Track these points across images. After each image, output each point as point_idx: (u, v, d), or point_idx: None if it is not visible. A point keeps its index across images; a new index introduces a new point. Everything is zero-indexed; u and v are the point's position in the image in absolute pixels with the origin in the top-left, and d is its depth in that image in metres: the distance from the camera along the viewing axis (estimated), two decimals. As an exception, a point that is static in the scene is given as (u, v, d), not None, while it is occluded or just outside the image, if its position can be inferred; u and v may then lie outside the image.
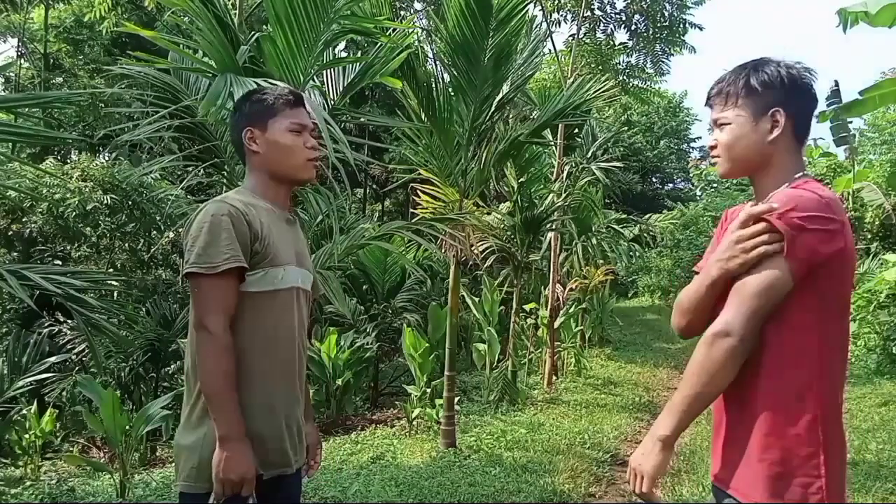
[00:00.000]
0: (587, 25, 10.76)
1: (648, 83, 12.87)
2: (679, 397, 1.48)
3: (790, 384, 1.43)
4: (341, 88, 4.03)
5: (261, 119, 1.89)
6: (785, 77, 1.54)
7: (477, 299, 8.58)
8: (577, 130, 9.63)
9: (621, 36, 11.58)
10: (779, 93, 1.53)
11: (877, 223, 11.91)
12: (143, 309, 7.92)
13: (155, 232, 8.93)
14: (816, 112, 1.72)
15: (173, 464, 5.36)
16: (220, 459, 1.65)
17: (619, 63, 11.86)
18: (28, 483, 4.63)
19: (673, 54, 11.95)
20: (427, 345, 6.82)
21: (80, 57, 15.24)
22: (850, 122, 10.41)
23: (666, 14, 11.31)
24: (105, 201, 8.08)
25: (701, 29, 11.73)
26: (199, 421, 1.74)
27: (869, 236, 12.01)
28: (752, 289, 1.42)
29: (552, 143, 8.61)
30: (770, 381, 1.44)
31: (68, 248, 8.69)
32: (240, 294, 1.76)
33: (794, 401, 1.42)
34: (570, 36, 10.93)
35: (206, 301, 1.72)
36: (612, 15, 11.22)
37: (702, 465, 4.68)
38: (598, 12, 11.00)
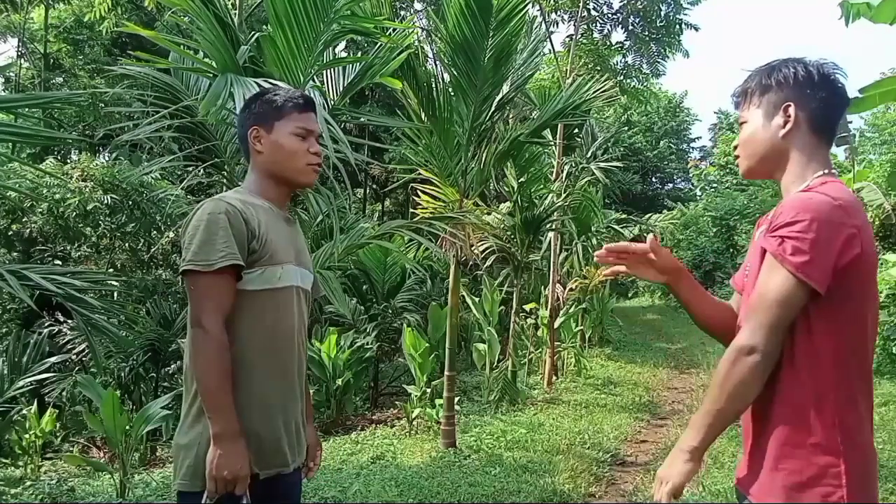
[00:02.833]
0: (584, 26, 10.77)
1: (645, 84, 12.90)
2: (703, 411, 1.45)
3: (807, 392, 1.39)
4: (341, 88, 4.03)
5: (267, 120, 1.89)
6: (801, 73, 1.50)
7: (477, 299, 8.58)
8: (576, 130, 9.63)
9: (618, 36, 11.63)
10: (793, 89, 1.51)
11: (877, 223, 11.90)
12: (143, 309, 7.93)
13: (155, 232, 8.93)
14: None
15: (172, 464, 5.38)
16: (213, 457, 1.65)
17: (617, 63, 11.90)
18: (28, 483, 4.62)
19: (668, 56, 12.01)
20: (427, 345, 6.81)
21: (80, 57, 15.24)
22: (850, 122, 10.45)
23: (662, 14, 11.35)
24: (105, 201, 8.09)
25: (697, 30, 11.83)
26: (195, 420, 1.74)
27: (869, 236, 11.98)
28: (770, 300, 1.38)
29: (552, 143, 8.61)
30: (786, 389, 1.41)
31: (68, 248, 8.69)
32: (237, 292, 1.76)
33: (811, 409, 1.39)
34: (567, 37, 10.95)
35: (202, 299, 1.72)
36: (609, 15, 11.26)
37: (701, 465, 4.68)
38: (593, 12, 11.03)
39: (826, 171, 1.49)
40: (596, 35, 11.28)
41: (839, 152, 13.30)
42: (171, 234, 8.49)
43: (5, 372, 5.20)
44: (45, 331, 6.70)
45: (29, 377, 5.26)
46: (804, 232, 1.34)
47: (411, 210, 9.39)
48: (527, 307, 9.42)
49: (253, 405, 1.76)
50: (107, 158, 10.67)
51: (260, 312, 1.80)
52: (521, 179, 7.51)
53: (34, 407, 6.19)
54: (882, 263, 9.38)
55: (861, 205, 1.45)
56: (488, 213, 7.71)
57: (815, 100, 1.50)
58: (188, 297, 1.75)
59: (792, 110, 1.50)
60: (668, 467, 1.49)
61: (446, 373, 5.43)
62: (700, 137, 33.73)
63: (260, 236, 1.78)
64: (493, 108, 5.33)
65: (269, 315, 1.81)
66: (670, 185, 32.04)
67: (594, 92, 5.55)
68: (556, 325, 8.81)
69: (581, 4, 10.11)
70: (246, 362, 1.76)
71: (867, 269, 1.42)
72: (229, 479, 1.65)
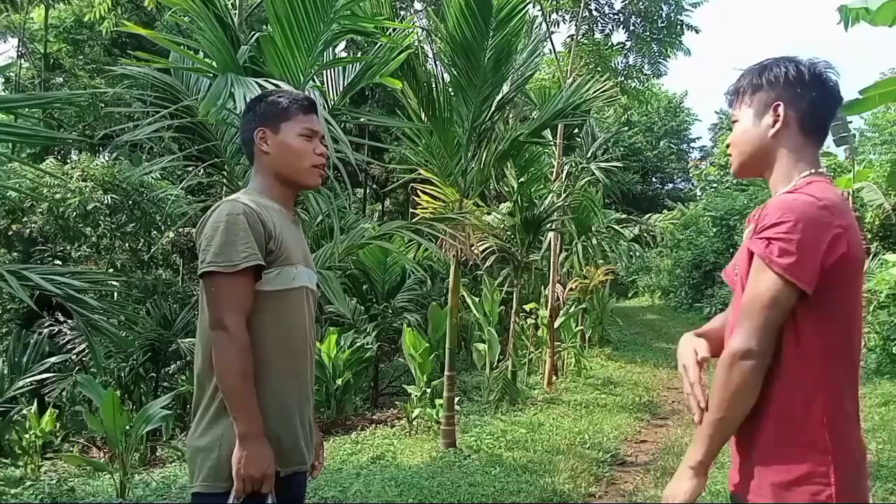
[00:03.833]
0: (586, 26, 10.78)
1: (646, 84, 12.92)
2: (706, 422, 1.45)
3: (795, 391, 1.40)
4: (341, 88, 4.03)
5: (273, 121, 1.90)
6: (792, 73, 1.51)
7: (477, 299, 8.58)
8: (576, 130, 9.64)
9: (619, 36, 11.66)
10: (783, 88, 1.51)
11: (877, 223, 11.92)
12: (143, 309, 7.92)
13: (155, 232, 8.94)
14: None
15: (173, 464, 5.39)
16: (240, 457, 1.66)
17: (618, 64, 11.92)
18: (28, 483, 4.62)
19: (669, 57, 12.02)
20: (427, 345, 6.82)
21: (80, 57, 15.24)
22: (850, 122, 10.46)
23: (663, 15, 11.38)
24: (105, 201, 8.10)
25: (697, 31, 11.85)
26: (214, 421, 1.74)
27: (869, 236, 12.01)
28: (760, 303, 1.38)
29: (552, 143, 8.61)
30: (775, 389, 1.41)
31: (68, 248, 8.70)
32: (255, 293, 1.77)
33: (799, 409, 1.39)
34: (568, 37, 10.96)
35: (224, 300, 1.71)
36: (610, 16, 11.28)
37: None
38: (595, 13, 11.05)
39: (813, 170, 1.49)
40: (597, 35, 11.29)
41: (839, 152, 13.29)
42: (171, 234, 8.50)
43: (5, 372, 5.21)
44: (45, 331, 6.71)
45: (29, 377, 5.27)
46: (790, 233, 1.35)
47: (411, 210, 9.40)
48: (527, 307, 9.42)
49: (271, 405, 1.76)
50: (107, 158, 10.65)
51: (276, 313, 1.80)
52: (521, 179, 7.51)
53: (34, 407, 6.18)
54: (882, 263, 9.40)
55: (847, 204, 1.46)
56: (488, 213, 7.72)
57: (805, 99, 1.50)
58: (207, 299, 1.75)
59: (781, 109, 1.50)
60: (674, 484, 1.48)
61: (446, 373, 5.43)
62: (700, 137, 33.78)
63: (276, 237, 1.79)
64: (493, 108, 5.33)
65: (285, 316, 1.83)
66: (670, 185, 32.02)
67: (594, 92, 5.56)
68: (556, 325, 8.81)
69: (582, 4, 10.12)
70: (264, 362, 1.76)
71: (853, 269, 1.42)
72: (257, 478, 1.66)
